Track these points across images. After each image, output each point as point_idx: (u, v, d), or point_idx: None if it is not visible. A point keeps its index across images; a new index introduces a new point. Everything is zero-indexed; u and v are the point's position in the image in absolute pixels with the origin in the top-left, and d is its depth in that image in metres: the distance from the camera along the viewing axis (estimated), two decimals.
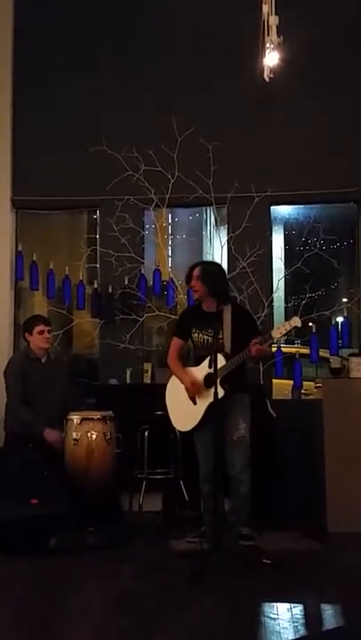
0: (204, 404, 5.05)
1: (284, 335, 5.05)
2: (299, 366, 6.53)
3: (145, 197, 6.77)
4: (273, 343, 5.25)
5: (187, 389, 5.12)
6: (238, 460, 5.03)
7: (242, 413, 5.09)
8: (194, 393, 5.10)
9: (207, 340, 5.10)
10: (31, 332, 5.75)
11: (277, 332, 4.91)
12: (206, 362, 4.95)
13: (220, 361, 4.91)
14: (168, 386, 5.32)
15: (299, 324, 4.92)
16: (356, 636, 3.60)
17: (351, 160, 6.67)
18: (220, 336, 5.03)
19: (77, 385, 6.42)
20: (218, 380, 4.78)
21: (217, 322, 5.01)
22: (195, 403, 5.10)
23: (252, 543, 4.98)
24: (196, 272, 5.19)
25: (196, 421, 5.09)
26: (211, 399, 4.88)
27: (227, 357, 4.96)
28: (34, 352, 5.76)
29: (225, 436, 5.03)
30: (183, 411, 5.17)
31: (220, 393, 4.82)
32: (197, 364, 5.18)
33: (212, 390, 4.78)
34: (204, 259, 8.93)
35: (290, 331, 4.95)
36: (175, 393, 5.22)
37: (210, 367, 4.86)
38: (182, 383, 5.16)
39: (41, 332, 5.73)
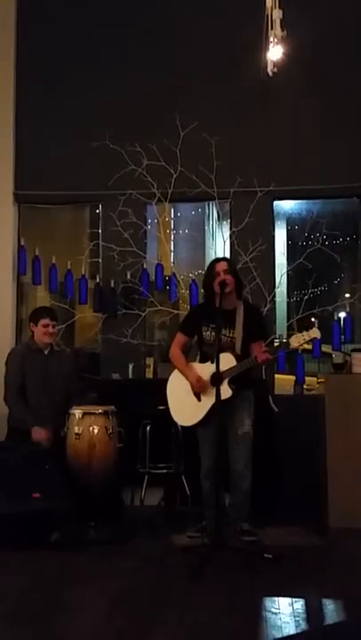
0: (209, 401, 5.01)
1: (302, 345, 5.00)
2: (301, 361, 6.53)
3: (147, 192, 6.76)
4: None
5: (192, 385, 5.09)
6: (242, 455, 5.03)
7: (246, 410, 5.09)
8: (199, 389, 5.07)
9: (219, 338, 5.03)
10: (36, 324, 5.73)
11: (296, 341, 4.87)
12: (214, 360, 4.89)
13: (231, 361, 4.89)
14: (170, 379, 5.29)
15: (318, 336, 4.91)
16: (358, 630, 3.59)
17: (354, 155, 6.65)
18: (232, 335, 5.01)
19: (81, 379, 6.40)
20: (226, 380, 4.77)
21: (227, 320, 4.98)
22: (199, 399, 5.09)
23: (252, 538, 4.99)
24: (225, 266, 5.11)
25: (199, 418, 5.08)
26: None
27: (237, 357, 4.94)
28: (36, 343, 5.74)
29: (229, 432, 5.02)
30: (185, 406, 5.15)
31: (228, 393, 4.83)
32: (203, 361, 5.16)
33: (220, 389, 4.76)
34: (207, 254, 8.90)
35: (308, 342, 4.93)
36: (178, 387, 5.19)
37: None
38: (187, 379, 5.13)
39: (45, 326, 5.70)
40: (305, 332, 4.88)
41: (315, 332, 4.85)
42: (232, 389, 4.84)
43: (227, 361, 4.86)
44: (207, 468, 5.11)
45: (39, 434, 5.45)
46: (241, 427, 5.03)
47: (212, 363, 4.91)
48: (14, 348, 6.04)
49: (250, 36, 5.95)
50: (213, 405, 4.92)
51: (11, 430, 5.69)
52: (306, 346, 6.63)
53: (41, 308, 5.99)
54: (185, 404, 5.15)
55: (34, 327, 5.75)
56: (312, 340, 4.96)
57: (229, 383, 4.83)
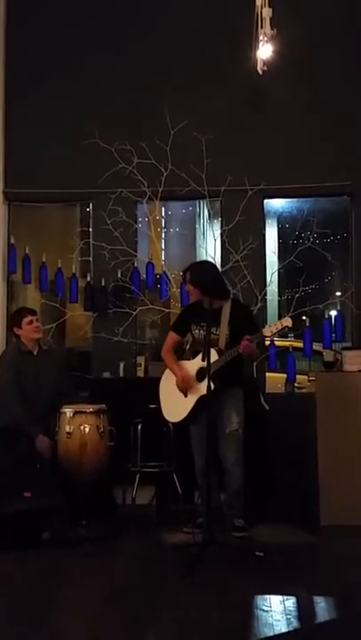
0: (194, 397, 5.12)
1: (275, 334, 5.19)
2: (292, 360, 6.54)
3: (138, 190, 6.75)
4: (266, 338, 5.34)
5: (177, 383, 5.18)
6: (231, 453, 5.07)
7: (235, 408, 5.12)
8: (184, 388, 5.16)
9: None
10: (20, 325, 5.70)
11: (268, 331, 5.04)
12: (200, 356, 5.04)
13: (213, 356, 4.94)
14: (163, 377, 5.37)
15: (290, 324, 5.08)
16: (348, 628, 3.60)
17: (344, 153, 6.66)
18: (217, 332, 5.06)
19: (71, 377, 6.39)
20: (209, 375, 4.80)
21: (213, 318, 5.03)
22: (185, 395, 5.15)
23: (244, 534, 5.02)
24: (187, 276, 5.23)
25: (185, 413, 5.16)
26: (201, 393, 4.97)
27: (220, 353, 5.02)
28: (25, 345, 5.72)
29: (218, 430, 5.06)
30: (174, 402, 5.24)
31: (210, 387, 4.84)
32: (194, 357, 5.22)
33: (203, 384, 4.83)
34: (198, 252, 8.92)
35: (281, 330, 5.09)
36: (169, 384, 5.28)
37: (203, 361, 4.91)
38: (175, 376, 5.21)
39: (30, 323, 5.68)
40: (277, 322, 5.06)
41: (286, 321, 5.02)
42: (214, 384, 4.87)
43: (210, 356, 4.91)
44: (200, 466, 5.16)
45: (43, 443, 5.42)
46: (229, 425, 5.08)
47: (202, 360, 4.96)
48: (5, 352, 6.00)
49: (240, 34, 5.95)
50: (198, 400, 5.04)
51: (1, 429, 5.65)
52: (291, 343, 6.72)
53: (18, 310, 6.00)
54: (174, 401, 5.24)
55: (18, 330, 5.72)
56: (284, 329, 5.07)
57: (212, 378, 4.86)
